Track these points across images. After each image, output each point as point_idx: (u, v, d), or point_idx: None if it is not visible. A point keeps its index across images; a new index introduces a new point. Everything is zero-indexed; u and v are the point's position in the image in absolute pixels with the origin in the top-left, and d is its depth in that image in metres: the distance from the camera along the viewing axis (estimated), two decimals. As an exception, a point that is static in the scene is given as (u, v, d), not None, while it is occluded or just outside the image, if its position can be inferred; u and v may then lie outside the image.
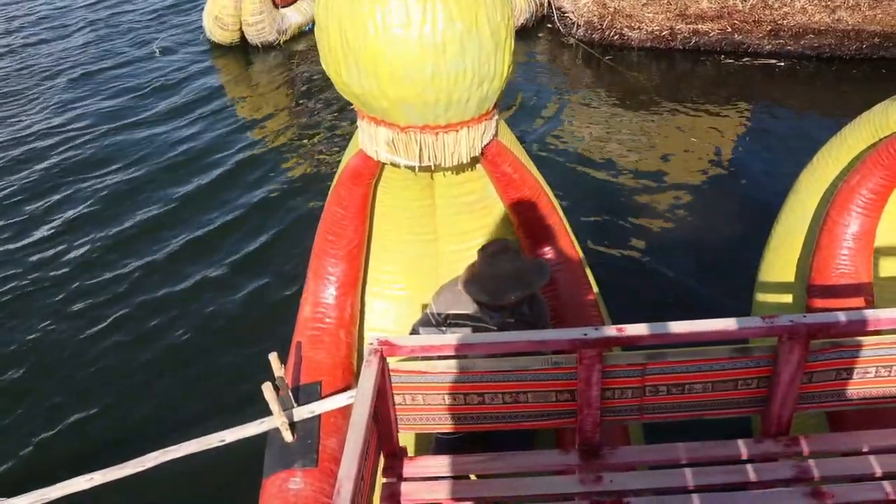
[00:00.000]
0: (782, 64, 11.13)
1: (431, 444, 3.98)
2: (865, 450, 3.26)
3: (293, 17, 12.97)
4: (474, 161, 3.81)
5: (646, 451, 3.31)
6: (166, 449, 3.70)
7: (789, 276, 4.53)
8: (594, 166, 8.70)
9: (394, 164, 3.68)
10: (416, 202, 4.09)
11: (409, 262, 4.25)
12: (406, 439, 3.64)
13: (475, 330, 3.71)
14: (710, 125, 9.74)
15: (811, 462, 3.20)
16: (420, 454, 3.71)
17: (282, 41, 12.73)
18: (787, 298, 4.51)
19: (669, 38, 11.71)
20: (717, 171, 8.64)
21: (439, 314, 3.81)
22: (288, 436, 3.58)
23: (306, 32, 13.13)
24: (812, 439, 3.32)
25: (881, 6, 10.61)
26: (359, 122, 3.68)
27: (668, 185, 8.33)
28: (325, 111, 10.50)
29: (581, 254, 4.28)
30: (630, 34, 11.81)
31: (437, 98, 3.30)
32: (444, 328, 3.81)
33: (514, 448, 3.36)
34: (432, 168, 3.66)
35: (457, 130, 3.49)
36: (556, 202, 4.21)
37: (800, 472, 3.16)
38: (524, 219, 4.04)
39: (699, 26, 11.42)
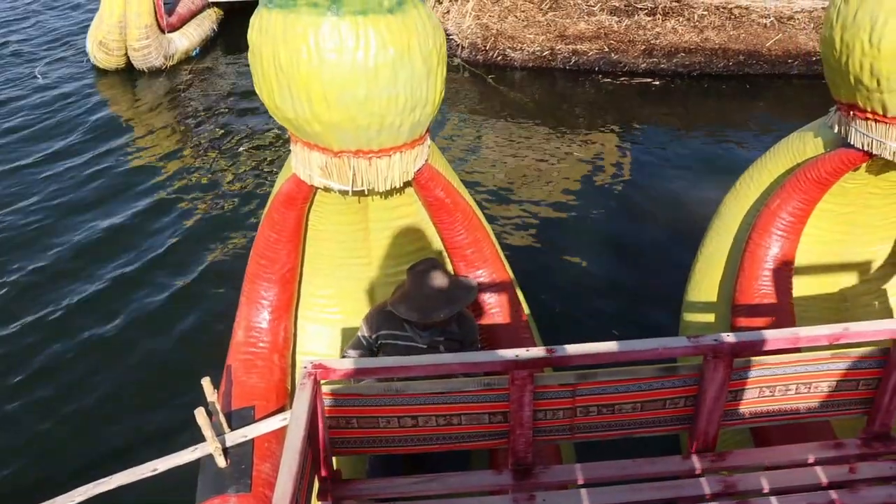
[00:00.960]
0: (657, 82, 11.59)
1: (366, 467, 3.98)
2: (788, 463, 3.36)
3: (180, 42, 12.73)
4: (407, 185, 3.85)
5: (578, 469, 3.36)
6: (97, 482, 3.62)
7: (714, 296, 4.65)
8: (481, 187, 8.82)
9: (327, 189, 3.69)
10: (350, 226, 4.11)
11: (342, 285, 4.26)
12: (341, 462, 3.64)
13: (405, 349, 3.76)
14: (593, 141, 10.04)
15: (737, 477, 3.29)
16: (355, 477, 3.71)
17: (168, 66, 12.46)
18: (713, 318, 4.63)
19: (550, 58, 12.05)
20: (619, 186, 8.89)
21: (370, 336, 3.84)
22: (221, 461, 3.54)
23: (193, 57, 12.97)
24: (737, 455, 3.41)
25: (743, 26, 11.35)
26: (292, 147, 3.69)
27: (572, 203, 8.50)
28: (221, 135, 10.34)
29: (512, 276, 4.34)
30: (512, 55, 12.07)
31: (369, 123, 3.34)
32: (375, 349, 3.84)
33: (448, 469, 3.38)
34: (365, 192, 3.68)
35: (390, 155, 3.53)
36: (487, 225, 4.26)
37: (726, 486, 3.24)
38: (456, 242, 4.09)
39: (578, 46, 11.81)
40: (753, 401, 3.31)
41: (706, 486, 3.25)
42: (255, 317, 4.06)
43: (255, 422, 3.72)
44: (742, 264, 4.33)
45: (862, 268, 4.59)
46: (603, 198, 8.59)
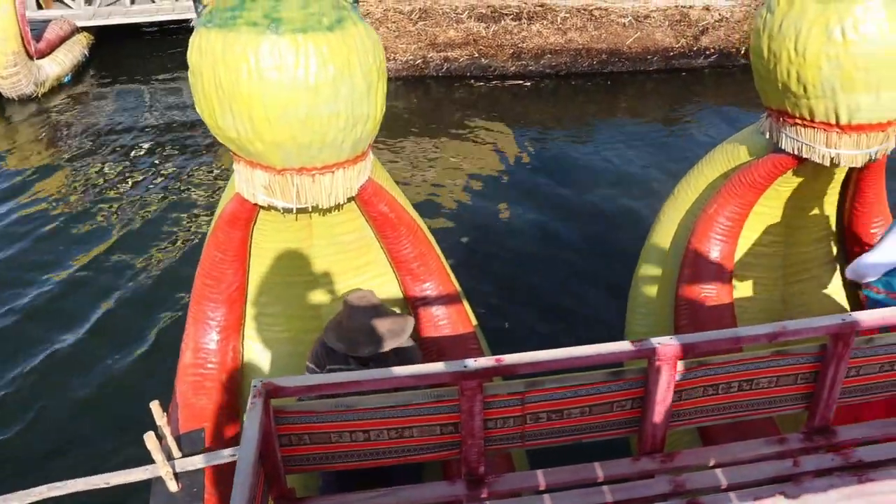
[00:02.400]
0: (528, 83, 12.08)
1: (319, 483, 3.97)
2: (735, 460, 3.44)
3: (50, 69, 12.45)
4: (351, 201, 3.87)
5: (530, 476, 3.39)
6: (53, 484, 3.58)
7: (658, 300, 4.74)
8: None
9: (271, 207, 3.69)
10: (295, 244, 4.11)
11: (289, 303, 4.25)
12: (294, 480, 3.62)
13: None
14: (473, 144, 10.31)
15: (686, 476, 3.35)
16: (308, 495, 3.70)
17: (40, 93, 12.18)
18: (657, 322, 4.72)
19: (423, 66, 12.39)
20: (511, 187, 9.14)
21: (317, 364, 3.85)
22: (173, 486, 3.51)
23: (65, 84, 12.74)
24: (685, 454, 3.47)
25: (604, 27, 11.87)
26: (235, 166, 3.68)
27: (472, 206, 8.66)
28: (102, 159, 10.18)
29: (458, 288, 4.37)
30: (387, 65, 12.28)
31: (311, 140, 3.35)
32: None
33: (402, 482, 3.39)
34: (309, 210, 3.69)
35: (333, 172, 3.54)
36: (432, 238, 4.29)
37: (676, 486, 3.30)
38: (402, 256, 4.11)
39: (449, 53, 12.13)
40: (698, 400, 3.38)
41: (656, 486, 3.31)
42: (202, 338, 4.03)
43: (205, 444, 3.70)
44: (683, 268, 4.42)
45: (798, 268, 4.73)
46: (502, 200, 8.79)
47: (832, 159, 3.95)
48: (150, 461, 3.50)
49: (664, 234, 4.75)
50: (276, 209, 3.70)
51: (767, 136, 4.22)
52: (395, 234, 4.07)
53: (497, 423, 3.23)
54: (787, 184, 4.39)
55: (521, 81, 12.04)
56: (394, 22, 12.24)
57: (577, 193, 8.86)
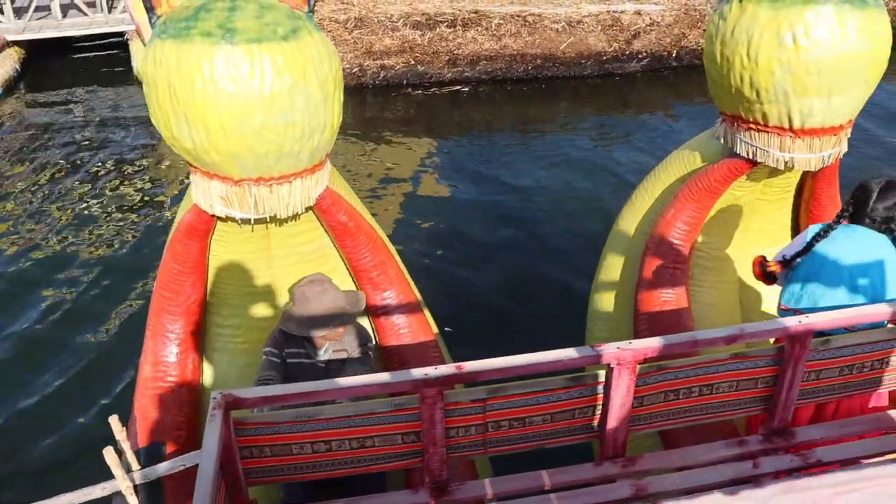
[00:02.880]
0: (465, 89, 12.23)
1: (281, 494, 3.94)
2: (696, 463, 3.47)
3: None
4: (309, 210, 3.86)
5: (493, 483, 3.40)
6: None
7: (617, 305, 4.78)
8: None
9: (229, 218, 3.67)
10: (253, 254, 4.09)
11: (248, 314, 4.22)
12: (256, 491, 3.59)
13: (309, 366, 3.82)
14: (413, 151, 10.41)
15: (647, 479, 3.37)
16: (271, 507, 3.68)
17: None
18: (617, 326, 4.75)
19: (360, 74, 12.46)
20: (443, 194, 9.21)
21: (280, 353, 3.90)
22: (133, 500, 3.46)
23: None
24: (647, 458, 3.50)
25: (538, 32, 12.15)
26: (192, 177, 3.65)
27: (423, 214, 8.70)
28: (42, 173, 10.00)
29: (419, 296, 4.37)
30: None
31: (268, 150, 3.34)
32: (282, 367, 3.90)
33: (366, 491, 3.38)
34: (268, 220, 3.67)
35: (290, 181, 3.53)
36: (391, 246, 4.29)
37: (637, 489, 3.32)
38: (362, 265, 4.10)
39: (385, 61, 12.24)
40: (659, 405, 3.41)
41: (618, 490, 3.33)
42: (161, 351, 3.99)
43: (166, 457, 3.65)
44: (641, 272, 4.46)
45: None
46: (445, 206, 8.85)
47: (786, 163, 4.01)
48: (110, 477, 3.45)
49: (623, 239, 4.78)
50: (233, 220, 3.68)
51: (722, 141, 4.27)
52: (355, 243, 4.06)
53: (459, 431, 3.23)
54: (743, 188, 4.45)
55: (458, 87, 12.19)
56: (329, 31, 12.33)
57: (521, 198, 8.94)
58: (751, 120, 3.99)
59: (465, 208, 8.75)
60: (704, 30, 11.87)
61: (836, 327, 3.43)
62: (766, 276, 3.85)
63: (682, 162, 4.52)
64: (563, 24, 12.26)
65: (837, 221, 3.61)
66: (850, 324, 3.43)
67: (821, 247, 3.60)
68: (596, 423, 3.38)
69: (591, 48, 12.26)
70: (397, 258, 4.30)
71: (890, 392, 3.80)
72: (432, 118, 11.38)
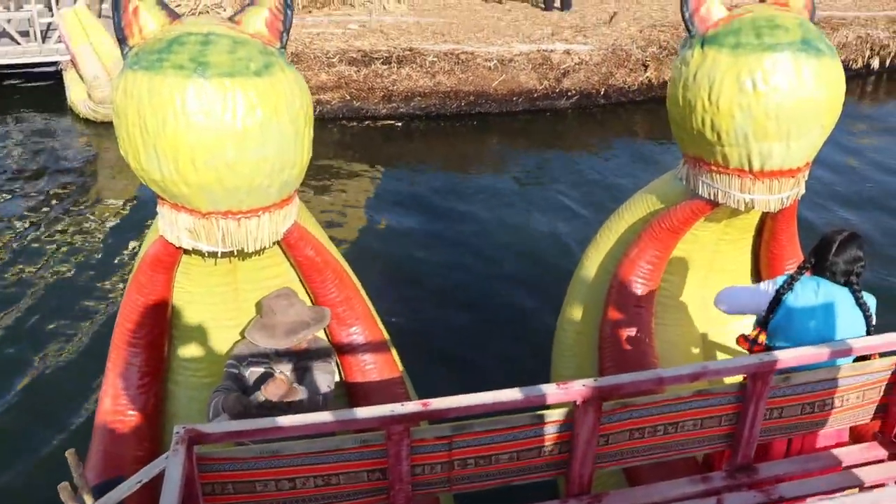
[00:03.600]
0: (399, 124, 12.45)
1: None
2: (660, 500, 3.50)
3: None
4: (276, 245, 3.85)
5: (457, 521, 3.40)
6: None
7: (582, 343, 4.81)
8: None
9: (196, 251, 3.65)
10: (219, 287, 4.06)
11: (213, 348, 4.18)
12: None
13: (268, 377, 3.84)
14: (348, 184, 10.49)
15: (612, 518, 3.39)
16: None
17: None
18: (582, 364, 4.78)
19: None
20: (377, 228, 9.27)
21: (240, 365, 3.95)
22: (89, 538, 3.39)
23: None
24: (612, 496, 3.52)
25: (471, 70, 12.52)
26: (159, 209, 3.63)
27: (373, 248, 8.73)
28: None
29: (385, 332, 4.37)
30: None
31: (238, 184, 3.34)
32: (244, 371, 3.96)
33: (330, 528, 3.35)
34: (234, 253, 3.66)
35: (259, 216, 3.53)
36: (357, 282, 4.29)
37: (602, 528, 3.34)
38: (328, 301, 4.09)
39: (321, 96, 12.36)
40: (624, 443, 3.43)
41: (583, 528, 3.34)
42: (122, 384, 3.93)
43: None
44: (605, 311, 4.51)
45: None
46: (381, 240, 8.92)
47: (747, 204, 4.10)
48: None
49: (587, 278, 4.83)
50: (200, 253, 3.66)
51: (685, 183, 4.35)
52: (321, 279, 4.05)
53: (425, 469, 3.23)
54: (705, 228, 4.53)
55: (392, 122, 12.40)
56: (266, 66, 12.48)
57: (463, 231, 9.06)
58: (712, 162, 4.08)
59: (399, 242, 8.81)
60: (631, 69, 12.66)
61: (796, 365, 3.50)
62: (756, 344, 3.87)
63: (646, 202, 4.59)
64: (495, 62, 12.63)
65: (801, 272, 3.69)
66: (811, 362, 3.50)
67: (787, 302, 3.67)
68: (562, 460, 3.39)
69: (522, 86, 12.63)
70: (364, 294, 4.30)
71: (850, 428, 3.88)
72: (367, 152, 11.52)
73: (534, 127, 12.38)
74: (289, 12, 3.63)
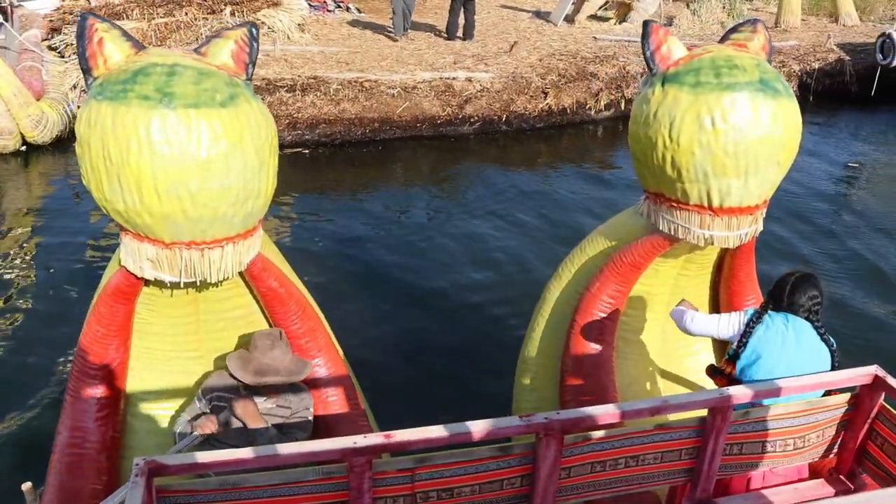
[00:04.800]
0: (306, 151, 12.48)
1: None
2: None
3: None
4: (241, 276, 3.84)
5: (419, 555, 3.37)
6: None
7: (544, 376, 4.83)
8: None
9: (158, 281, 3.63)
10: (181, 318, 4.03)
11: (173, 380, 4.14)
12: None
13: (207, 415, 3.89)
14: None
15: (573, 551, 3.40)
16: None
17: None
18: (543, 396, 4.80)
19: None
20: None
21: (205, 394, 3.97)
22: (42, 574, 3.33)
23: None
24: (572, 529, 3.53)
25: (374, 97, 12.70)
26: (122, 239, 3.61)
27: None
28: None
29: (347, 364, 4.36)
30: None
31: (201, 214, 3.33)
32: (206, 404, 3.97)
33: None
34: (197, 284, 3.64)
35: (222, 246, 3.52)
36: (320, 314, 4.28)
37: (562, 561, 3.34)
38: (291, 332, 4.07)
39: None
40: (586, 476, 3.45)
41: (544, 562, 3.34)
42: (80, 416, 3.87)
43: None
44: (567, 345, 4.53)
45: (678, 344, 4.91)
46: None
47: (706, 240, 4.16)
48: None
49: (548, 311, 4.86)
50: (162, 283, 3.64)
51: (645, 218, 4.41)
52: (284, 310, 4.04)
53: (387, 502, 3.21)
54: (665, 264, 4.59)
55: (299, 149, 12.42)
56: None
57: (373, 259, 9.08)
58: (672, 198, 4.15)
59: (314, 271, 8.64)
60: (531, 96, 13.04)
61: (756, 401, 3.55)
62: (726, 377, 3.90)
63: (607, 237, 4.64)
64: (398, 89, 12.82)
65: (765, 310, 3.76)
66: (770, 397, 3.55)
67: (756, 338, 3.72)
68: (524, 493, 3.39)
69: (425, 112, 12.84)
70: (326, 325, 4.29)
71: (809, 464, 3.93)
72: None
73: (437, 153, 12.64)
74: (254, 44, 3.66)
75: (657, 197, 4.27)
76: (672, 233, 4.23)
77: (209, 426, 3.78)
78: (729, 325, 3.84)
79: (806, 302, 3.71)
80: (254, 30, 3.69)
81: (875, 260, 9.23)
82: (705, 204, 4.05)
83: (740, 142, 3.86)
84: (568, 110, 13.55)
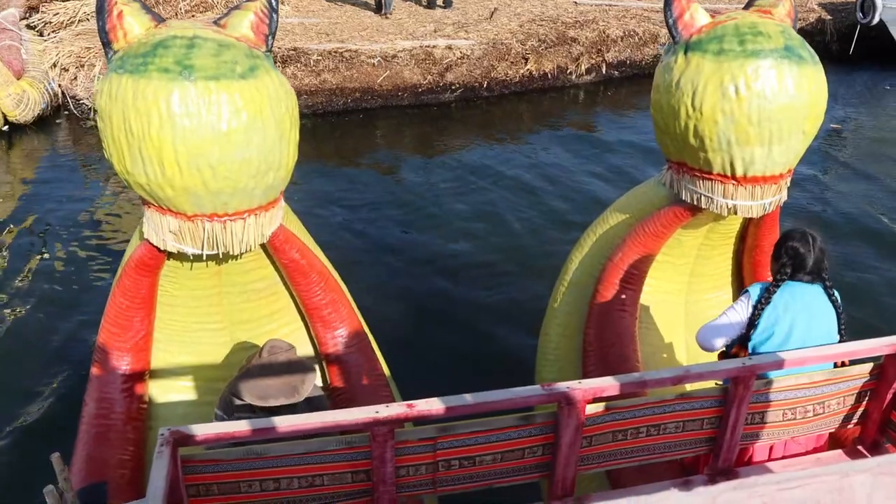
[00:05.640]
0: None
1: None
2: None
3: None
4: (263, 247, 3.86)
5: (441, 523, 3.40)
6: None
7: (566, 346, 4.83)
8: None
9: (180, 254, 3.65)
10: (204, 290, 4.06)
11: (197, 351, 4.19)
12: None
13: None
14: None
15: (595, 520, 3.41)
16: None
17: None
18: (566, 367, 4.80)
19: None
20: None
21: (221, 414, 3.79)
22: (72, 541, 3.38)
23: None
24: (595, 498, 3.53)
25: (355, 67, 12.72)
26: (145, 212, 3.64)
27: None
28: None
29: (370, 335, 4.37)
30: None
31: (223, 187, 3.34)
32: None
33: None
34: (220, 256, 3.67)
35: (244, 218, 3.53)
36: (343, 285, 4.29)
37: (585, 530, 3.36)
38: (314, 303, 4.10)
39: None
40: (608, 445, 3.45)
41: (566, 530, 3.36)
42: (106, 387, 3.93)
43: (108, 497, 3.58)
44: (589, 315, 4.53)
45: (700, 315, 4.88)
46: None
47: (729, 210, 4.13)
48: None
49: (570, 281, 4.86)
50: (184, 255, 3.67)
51: (668, 188, 4.38)
52: (307, 282, 4.06)
53: (409, 471, 3.24)
54: (688, 234, 4.56)
55: None
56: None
57: (362, 226, 9.12)
58: (695, 167, 4.11)
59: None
60: (512, 62, 13.07)
61: (779, 369, 3.53)
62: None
63: (629, 207, 4.62)
64: (378, 59, 12.85)
65: (777, 284, 3.70)
66: (793, 367, 3.53)
67: (765, 315, 3.68)
68: (545, 462, 3.40)
69: (406, 81, 12.88)
70: (349, 296, 4.31)
71: (830, 433, 3.91)
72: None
73: (419, 120, 12.70)
74: (274, 16, 3.65)
75: (679, 166, 4.23)
76: (695, 202, 4.20)
77: None
78: (738, 313, 3.78)
79: (819, 254, 3.62)
80: (273, 1, 3.67)
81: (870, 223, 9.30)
82: (728, 173, 4.02)
83: (764, 110, 3.81)
84: (549, 75, 13.73)
